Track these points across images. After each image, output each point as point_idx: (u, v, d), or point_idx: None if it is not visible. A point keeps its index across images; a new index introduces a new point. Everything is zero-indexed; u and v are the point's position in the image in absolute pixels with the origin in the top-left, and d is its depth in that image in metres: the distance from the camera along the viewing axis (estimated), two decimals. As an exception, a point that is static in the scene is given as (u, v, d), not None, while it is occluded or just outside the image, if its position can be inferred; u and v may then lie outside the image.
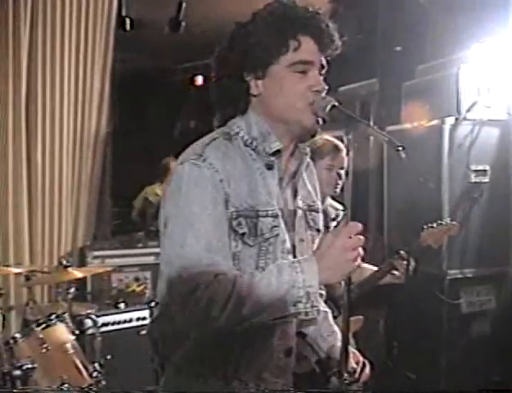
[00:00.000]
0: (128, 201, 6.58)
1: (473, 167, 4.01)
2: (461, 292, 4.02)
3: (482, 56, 4.16)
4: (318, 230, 1.93)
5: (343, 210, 3.37)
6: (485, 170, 4.04)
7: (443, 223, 3.29)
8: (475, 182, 4.01)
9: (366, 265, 3.46)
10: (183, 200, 1.64)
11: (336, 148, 3.08)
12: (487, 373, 3.94)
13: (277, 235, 1.71)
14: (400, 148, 1.49)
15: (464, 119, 4.01)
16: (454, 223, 3.31)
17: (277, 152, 1.74)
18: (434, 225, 3.28)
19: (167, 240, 1.66)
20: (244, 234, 1.66)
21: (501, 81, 4.17)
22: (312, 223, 1.89)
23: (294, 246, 1.79)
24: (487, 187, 4.05)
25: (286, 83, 1.70)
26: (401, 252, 3.23)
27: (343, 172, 3.11)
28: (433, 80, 4.31)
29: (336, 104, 1.65)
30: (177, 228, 1.63)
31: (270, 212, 1.70)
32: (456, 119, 4.00)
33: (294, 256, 1.77)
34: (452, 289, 3.99)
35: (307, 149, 1.84)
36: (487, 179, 4.04)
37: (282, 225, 1.73)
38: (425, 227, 3.29)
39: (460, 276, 4.01)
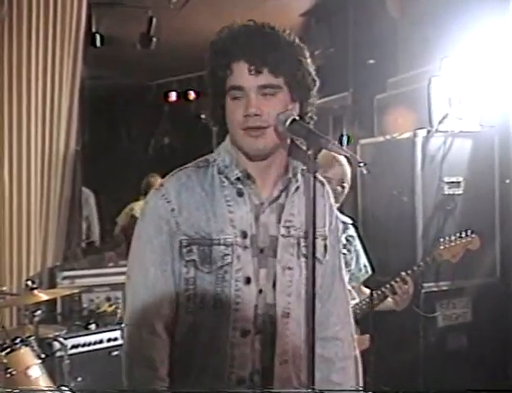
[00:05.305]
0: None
1: (447, 179, 4.01)
2: (437, 305, 4.00)
3: (452, 67, 4.16)
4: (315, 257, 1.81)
5: (352, 224, 3.16)
6: (458, 182, 4.04)
7: (462, 235, 3.14)
8: (449, 194, 4.01)
9: (364, 289, 3.22)
10: (139, 227, 1.78)
11: (333, 160, 2.88)
12: (464, 387, 3.91)
13: (229, 263, 1.68)
14: (361, 164, 1.45)
15: (437, 131, 4.01)
16: (474, 235, 3.15)
17: (247, 179, 1.71)
18: (452, 238, 3.13)
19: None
20: (194, 261, 1.69)
21: (473, 92, 4.18)
22: (304, 251, 1.77)
23: (275, 274, 1.74)
24: (460, 199, 4.04)
25: (229, 107, 1.69)
26: (403, 274, 3.01)
27: (345, 185, 2.94)
28: (405, 93, 4.32)
29: (296, 118, 1.62)
30: (131, 255, 1.79)
31: (223, 240, 1.69)
32: (428, 131, 4.00)
33: (274, 284, 1.73)
34: (428, 302, 3.96)
35: (298, 175, 1.76)
36: (460, 191, 4.04)
37: (239, 252, 1.69)
38: (442, 240, 3.15)
39: (435, 289, 3.99)
